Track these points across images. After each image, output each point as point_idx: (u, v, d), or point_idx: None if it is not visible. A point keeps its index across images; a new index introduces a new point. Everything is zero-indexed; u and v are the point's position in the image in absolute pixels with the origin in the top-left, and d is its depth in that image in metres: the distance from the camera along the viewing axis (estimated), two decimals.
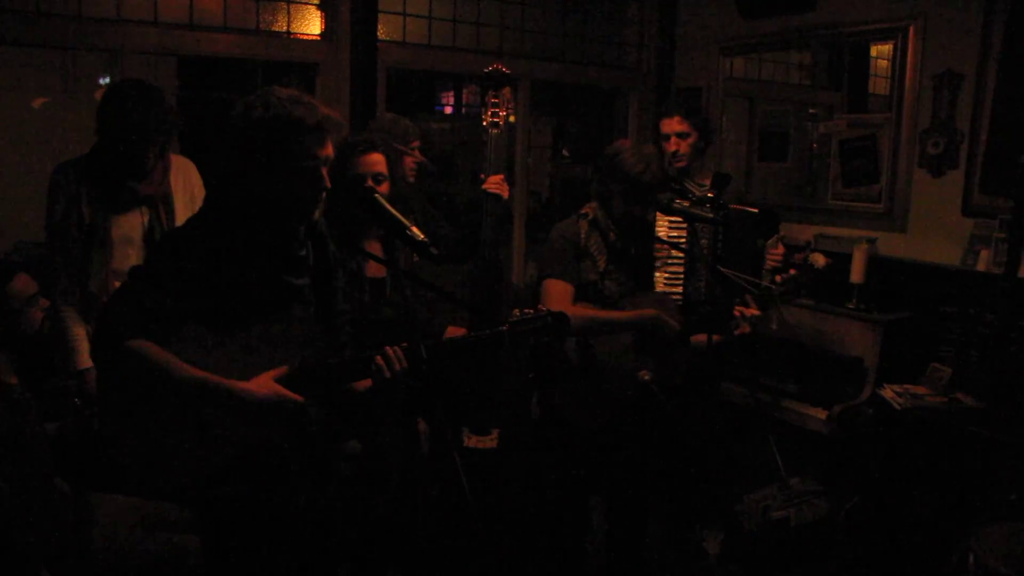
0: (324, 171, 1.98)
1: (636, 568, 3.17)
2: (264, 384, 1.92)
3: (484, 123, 3.31)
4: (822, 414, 3.62)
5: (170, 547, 2.55)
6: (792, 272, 3.06)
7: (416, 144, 3.28)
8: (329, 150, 1.99)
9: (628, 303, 2.90)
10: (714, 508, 3.66)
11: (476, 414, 3.40)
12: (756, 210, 3.54)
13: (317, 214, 2.03)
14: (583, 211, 2.94)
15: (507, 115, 3.32)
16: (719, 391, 3.71)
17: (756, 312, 2.92)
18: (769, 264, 3.33)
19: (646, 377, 2.81)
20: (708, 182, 3.49)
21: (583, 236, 2.89)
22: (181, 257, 1.89)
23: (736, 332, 2.92)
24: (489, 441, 3.37)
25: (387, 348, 2.04)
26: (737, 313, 2.90)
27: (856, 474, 3.56)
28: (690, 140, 3.46)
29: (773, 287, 3.00)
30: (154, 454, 1.92)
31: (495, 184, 3.25)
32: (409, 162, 3.26)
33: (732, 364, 3.83)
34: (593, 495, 3.32)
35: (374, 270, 2.65)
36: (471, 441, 3.37)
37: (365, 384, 2.11)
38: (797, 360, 3.84)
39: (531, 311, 2.20)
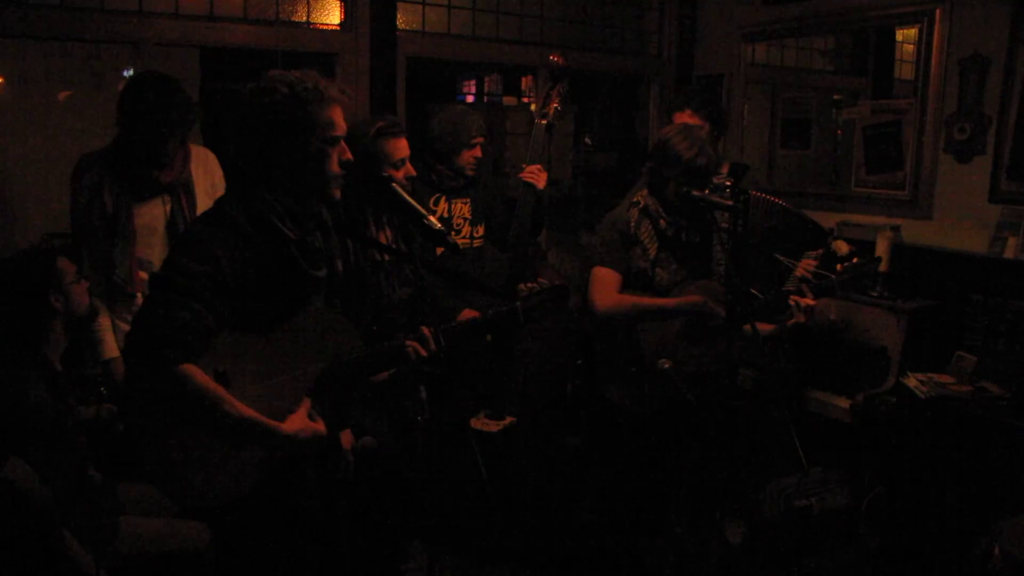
0: (344, 144, 2.01)
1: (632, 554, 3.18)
2: (304, 426, 1.96)
3: (535, 113, 3.40)
4: (845, 403, 3.59)
5: (186, 534, 2.58)
6: (855, 260, 2.99)
7: (478, 140, 3.31)
8: (344, 124, 2.01)
9: (678, 292, 2.89)
10: (736, 496, 3.64)
11: (497, 399, 3.43)
12: (825, 227, 3.53)
13: (337, 192, 2.04)
14: (635, 199, 2.95)
15: (559, 107, 3.40)
16: (738, 379, 3.69)
17: (812, 302, 2.87)
18: (799, 271, 3.28)
19: (666, 366, 2.80)
20: (725, 171, 3.47)
21: (633, 224, 2.90)
22: (208, 259, 1.87)
23: (790, 322, 2.88)
24: (495, 426, 3.40)
25: (423, 329, 2.07)
26: (792, 302, 2.87)
27: (879, 463, 3.53)
28: (702, 132, 3.45)
29: (833, 276, 2.95)
30: (179, 468, 1.91)
31: (531, 173, 3.35)
32: (468, 156, 3.29)
33: (754, 352, 3.81)
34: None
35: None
36: (478, 423, 3.41)
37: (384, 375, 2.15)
38: (821, 348, 3.81)
39: (535, 284, 2.23)
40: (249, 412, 1.87)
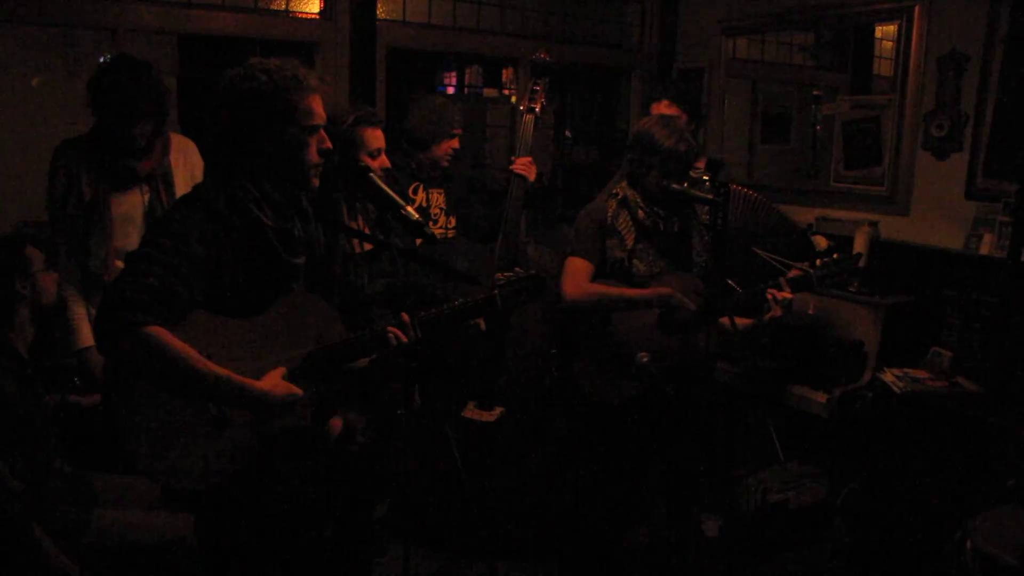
0: (323, 133, 2.01)
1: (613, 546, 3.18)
2: (277, 383, 1.92)
3: (521, 107, 3.49)
4: (822, 397, 3.61)
5: (166, 526, 2.56)
6: (835, 256, 3.00)
7: (457, 131, 3.33)
8: (324, 113, 2.01)
9: (656, 283, 2.89)
10: (713, 491, 3.66)
11: (485, 389, 3.44)
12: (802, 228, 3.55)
13: (316, 181, 2.03)
14: (614, 191, 2.95)
15: (546, 102, 3.43)
16: (715, 372, 3.70)
17: (789, 296, 2.88)
18: (792, 274, 3.29)
19: (644, 359, 2.80)
20: (702, 165, 3.49)
21: (610, 215, 2.90)
22: (180, 236, 1.86)
23: (767, 316, 2.89)
24: (488, 416, 3.41)
25: (403, 315, 2.06)
26: (769, 296, 2.87)
27: (855, 458, 3.56)
28: (680, 121, 3.46)
29: (812, 271, 2.96)
30: (168, 452, 1.89)
31: (523, 165, 3.42)
32: (445, 147, 3.29)
33: (731, 346, 3.83)
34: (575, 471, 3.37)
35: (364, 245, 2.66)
36: (471, 413, 3.41)
37: (365, 361, 2.13)
38: (798, 343, 3.83)
39: (511, 273, 2.24)
40: (221, 370, 1.84)
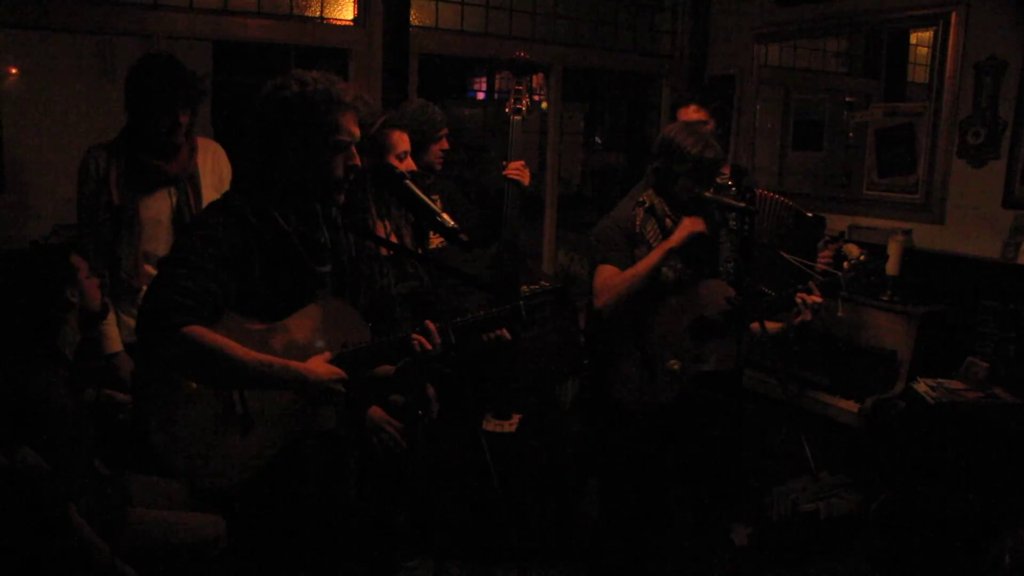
0: (354, 149, 2.00)
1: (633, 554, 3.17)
2: (322, 364, 1.95)
3: (507, 109, 3.37)
4: (854, 407, 3.57)
5: (199, 527, 2.59)
6: (863, 258, 2.99)
7: (444, 132, 3.28)
8: (357, 129, 2.01)
9: (684, 290, 2.89)
10: (743, 499, 3.63)
11: (499, 399, 3.44)
12: (811, 214, 3.51)
13: (341, 197, 2.04)
14: (640, 199, 2.94)
15: (538, 101, 3.37)
16: (744, 380, 3.68)
17: (819, 299, 2.87)
18: (820, 265, 3.27)
19: (676, 367, 2.80)
20: (727, 171, 3.47)
21: (638, 223, 2.89)
22: (212, 240, 1.89)
23: (796, 320, 2.87)
24: (508, 426, 3.40)
25: (427, 323, 2.07)
26: (799, 300, 2.86)
27: (887, 468, 3.52)
28: (707, 128, 3.44)
29: (840, 273, 2.94)
30: (196, 452, 1.92)
31: (515, 170, 3.32)
32: (436, 150, 3.27)
33: (763, 354, 3.80)
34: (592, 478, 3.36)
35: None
36: (490, 425, 3.41)
37: (388, 368, 2.15)
38: (829, 352, 3.79)
39: (537, 286, 2.23)
40: (265, 356, 1.88)
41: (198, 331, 1.80)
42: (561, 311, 2.23)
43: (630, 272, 2.82)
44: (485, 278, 3.19)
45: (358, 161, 2.02)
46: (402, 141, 2.58)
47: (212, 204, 2.05)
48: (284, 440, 1.99)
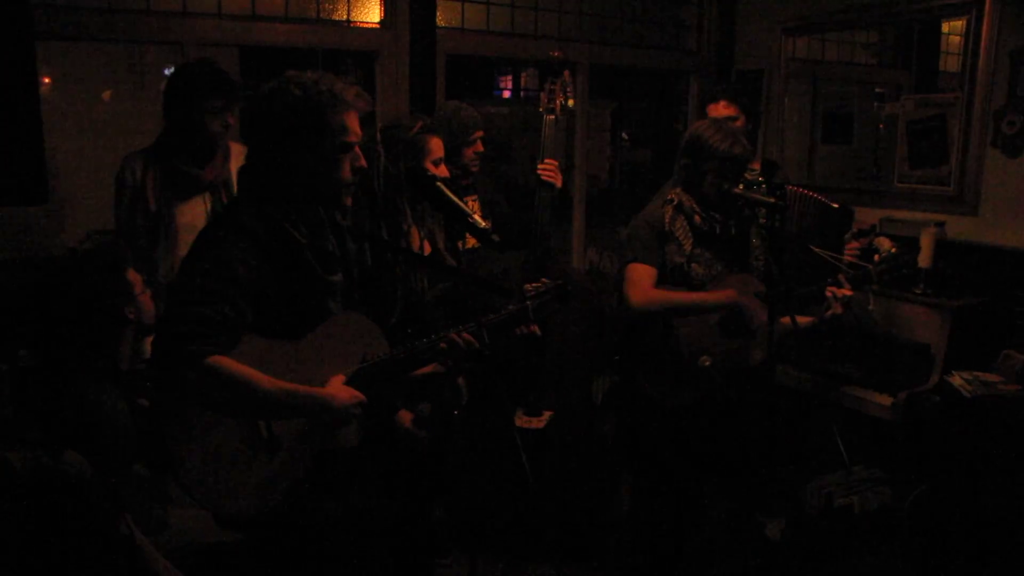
0: (358, 150, 1.97)
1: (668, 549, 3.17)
2: (340, 388, 1.94)
3: (540, 109, 3.38)
4: (887, 400, 3.54)
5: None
6: (893, 250, 2.98)
7: (479, 134, 3.30)
8: (359, 130, 1.98)
9: (714, 286, 2.89)
10: (776, 494, 3.63)
11: (530, 396, 3.45)
12: (836, 205, 3.49)
13: (348, 200, 2.02)
14: (668, 197, 2.95)
15: (565, 100, 3.36)
16: (776, 375, 3.67)
17: (850, 292, 2.86)
18: (848, 257, 3.26)
19: (707, 363, 2.80)
20: (757, 167, 3.45)
21: (667, 221, 2.91)
22: (224, 262, 1.86)
23: (828, 313, 2.87)
24: (538, 422, 3.42)
25: (453, 334, 2.07)
26: (829, 294, 2.85)
27: (922, 462, 3.48)
28: (738, 124, 3.43)
29: (871, 266, 2.93)
30: (217, 479, 1.90)
31: (548, 172, 3.32)
32: (470, 153, 3.29)
33: (796, 349, 3.79)
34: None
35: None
36: (521, 421, 3.43)
37: (425, 369, 2.16)
38: (862, 346, 3.77)
39: (539, 284, 2.26)
40: (286, 384, 1.86)
41: (222, 361, 1.78)
42: (564, 304, 2.26)
43: (674, 297, 2.86)
44: (510, 281, 3.21)
45: (364, 162, 1.99)
46: (438, 147, 2.61)
47: (219, 222, 2.00)
48: (310, 459, 1.98)
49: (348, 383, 1.97)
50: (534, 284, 2.28)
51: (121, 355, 2.52)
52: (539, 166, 3.36)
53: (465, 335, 2.08)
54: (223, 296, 1.81)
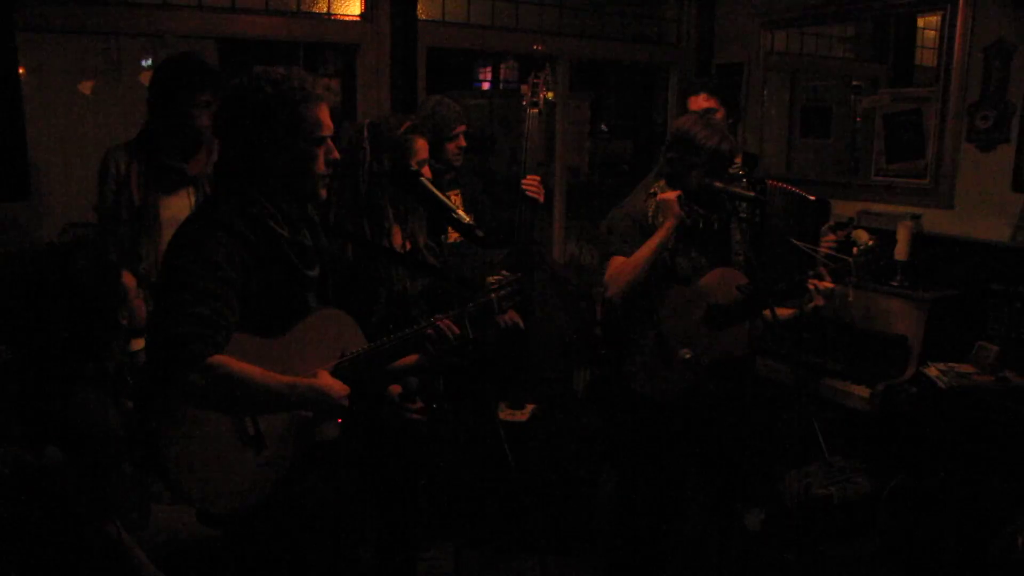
0: (331, 143, 1.98)
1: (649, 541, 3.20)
2: (330, 377, 1.98)
3: (523, 103, 3.42)
4: (865, 392, 3.59)
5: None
6: (870, 242, 3.01)
7: (461, 129, 3.30)
8: (331, 123, 1.98)
9: (699, 278, 2.91)
10: (755, 485, 3.66)
11: (513, 389, 3.47)
12: (813, 198, 3.52)
13: (324, 192, 2.02)
14: (651, 191, 2.95)
15: (547, 94, 3.38)
16: (756, 366, 3.71)
17: (831, 285, 2.89)
18: (823, 249, 3.29)
19: (687, 356, 2.82)
20: (739, 160, 3.47)
21: (651, 215, 2.90)
22: (210, 261, 1.85)
23: (810, 305, 2.90)
24: (521, 415, 3.44)
25: (439, 321, 2.11)
26: (811, 286, 2.88)
27: (899, 453, 3.54)
28: (718, 116, 3.45)
29: (850, 259, 2.96)
30: (205, 476, 1.89)
31: (532, 188, 3.37)
32: (452, 147, 3.29)
33: (775, 341, 3.82)
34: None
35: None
36: (504, 414, 3.44)
37: (407, 361, 2.20)
38: (840, 338, 3.81)
39: (500, 276, 2.29)
40: (285, 377, 1.90)
41: (222, 360, 1.79)
42: (523, 294, 2.30)
43: (634, 256, 2.83)
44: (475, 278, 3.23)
45: (336, 154, 2.00)
46: (423, 148, 2.61)
47: (199, 218, 1.98)
48: (294, 455, 1.99)
49: (332, 375, 2.00)
50: (495, 277, 2.32)
51: (111, 357, 2.50)
52: (523, 181, 3.39)
53: (447, 321, 2.13)
54: (216, 295, 1.81)
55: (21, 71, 4.16)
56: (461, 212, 2.13)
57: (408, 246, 2.62)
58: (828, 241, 3.52)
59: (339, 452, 2.18)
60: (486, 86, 7.42)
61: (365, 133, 2.43)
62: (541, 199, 3.40)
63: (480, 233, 2.10)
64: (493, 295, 2.27)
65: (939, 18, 3.94)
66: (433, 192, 2.17)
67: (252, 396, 1.84)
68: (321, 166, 1.96)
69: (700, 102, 3.53)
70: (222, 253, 1.85)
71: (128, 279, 2.51)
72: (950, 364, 3.44)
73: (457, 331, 2.14)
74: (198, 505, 1.93)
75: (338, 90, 2.11)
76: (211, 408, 1.85)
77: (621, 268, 2.85)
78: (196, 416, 1.86)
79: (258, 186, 1.94)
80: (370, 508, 2.72)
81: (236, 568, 2.17)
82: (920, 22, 4.30)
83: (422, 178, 2.20)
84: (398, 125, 2.49)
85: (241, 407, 1.88)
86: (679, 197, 2.80)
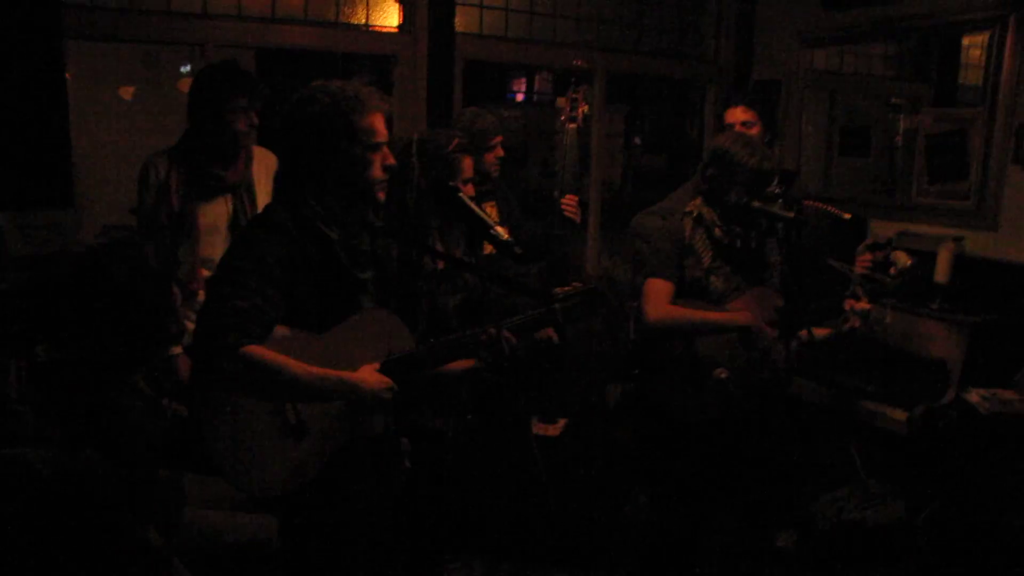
0: (387, 150, 2.07)
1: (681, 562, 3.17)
2: (372, 373, 2.03)
3: (562, 118, 3.43)
4: (902, 415, 3.53)
5: (252, 527, 2.62)
6: (909, 263, 2.97)
7: (498, 140, 3.31)
8: (386, 131, 2.08)
9: (734, 298, 2.88)
10: (788, 507, 3.61)
11: (546, 403, 3.45)
12: (848, 215, 3.48)
13: (382, 195, 2.11)
14: (687, 209, 2.93)
15: (585, 112, 3.39)
16: (792, 388, 3.66)
17: (867, 306, 2.85)
18: (859, 269, 3.25)
19: (723, 376, 2.79)
20: (776, 178, 3.44)
21: (688, 233, 2.88)
22: (259, 259, 1.96)
23: (846, 327, 2.86)
24: (553, 430, 3.42)
25: (492, 328, 2.15)
26: (847, 307, 2.85)
27: (937, 478, 3.47)
28: (755, 130, 3.42)
29: (887, 279, 2.92)
30: (251, 461, 1.98)
31: (570, 209, 3.39)
32: (490, 158, 3.29)
33: (811, 362, 3.77)
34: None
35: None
36: (536, 429, 3.42)
37: (451, 368, 2.24)
38: (878, 360, 3.75)
39: (569, 287, 2.27)
40: (319, 369, 1.96)
41: (256, 351, 1.88)
42: (594, 310, 2.27)
43: (690, 317, 2.84)
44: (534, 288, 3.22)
45: (392, 160, 2.09)
46: (469, 167, 2.63)
47: (256, 219, 2.15)
48: (336, 446, 2.05)
49: (380, 371, 2.06)
50: (564, 288, 2.29)
51: (154, 363, 2.53)
52: (562, 201, 3.39)
53: (505, 332, 2.16)
54: (256, 290, 1.92)
55: (68, 75, 4.25)
56: (499, 229, 2.12)
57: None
58: (864, 261, 3.48)
59: (384, 448, 2.22)
60: (520, 97, 7.43)
61: (414, 149, 2.44)
62: (578, 220, 3.42)
63: (519, 251, 2.10)
64: (558, 306, 2.26)
65: (985, 37, 3.88)
66: (472, 208, 2.17)
67: (282, 385, 1.93)
68: (378, 171, 2.06)
69: (738, 115, 3.50)
70: (268, 250, 1.96)
71: (175, 290, 2.54)
72: (992, 390, 3.37)
73: (515, 342, 2.16)
74: (238, 489, 2.02)
75: (389, 100, 2.18)
76: (245, 394, 1.95)
77: (664, 300, 2.83)
78: (239, 405, 1.96)
79: (314, 192, 2.04)
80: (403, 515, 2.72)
81: (285, 551, 2.25)
82: (965, 40, 4.23)
83: (461, 194, 2.20)
84: (447, 142, 2.50)
85: (272, 395, 1.97)
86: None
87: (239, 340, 1.86)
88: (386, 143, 2.07)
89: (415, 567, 2.85)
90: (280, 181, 2.16)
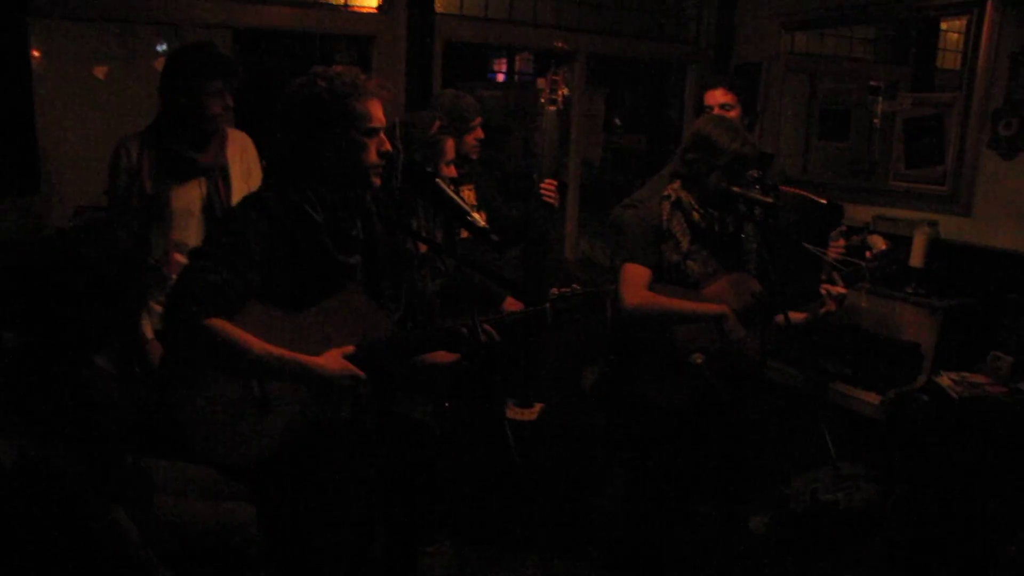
0: (383, 136, 2.09)
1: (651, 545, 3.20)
2: (335, 359, 2.03)
3: (542, 99, 3.40)
4: (875, 399, 3.57)
5: (227, 515, 2.61)
6: (884, 247, 2.98)
7: (478, 121, 3.28)
8: (383, 117, 2.10)
9: (711, 283, 2.89)
10: (762, 489, 3.65)
11: (522, 388, 3.45)
12: (824, 201, 3.49)
13: (377, 180, 2.12)
14: (666, 193, 2.92)
15: (564, 94, 3.37)
16: (766, 371, 3.69)
17: (843, 290, 2.87)
18: (831, 255, 3.27)
19: (699, 361, 2.80)
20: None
21: (665, 218, 2.88)
22: (239, 235, 1.98)
23: (822, 311, 2.88)
24: (529, 414, 3.43)
25: (483, 323, 2.14)
26: (823, 291, 2.86)
27: (908, 461, 3.51)
28: (734, 113, 3.42)
29: (863, 263, 2.94)
30: (216, 429, 2.01)
31: (549, 194, 3.36)
32: (470, 140, 3.27)
33: (786, 345, 3.80)
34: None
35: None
36: (512, 413, 3.43)
37: (432, 357, 2.24)
38: (852, 344, 3.78)
39: (568, 289, 2.26)
40: (276, 349, 1.97)
41: (217, 323, 1.92)
42: (589, 313, 2.25)
43: (667, 305, 2.83)
44: (512, 277, 3.21)
45: (388, 146, 2.10)
46: (451, 149, 2.62)
47: (245, 199, 2.14)
48: (302, 426, 2.07)
49: (349, 357, 2.06)
50: (562, 288, 2.27)
51: (130, 349, 2.51)
52: (541, 186, 3.38)
53: (488, 327, 2.15)
54: (233, 267, 1.95)
55: (35, 54, 4.17)
56: (476, 215, 2.11)
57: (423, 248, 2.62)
58: (837, 246, 3.49)
59: (352, 433, 2.21)
60: (501, 78, 7.38)
61: (397, 132, 2.43)
62: (556, 204, 3.40)
63: (495, 238, 2.09)
64: (551, 307, 2.24)
65: (964, 22, 3.89)
66: (448, 194, 2.16)
67: (240, 360, 1.95)
68: (372, 156, 2.08)
69: (717, 96, 3.50)
70: (248, 228, 1.99)
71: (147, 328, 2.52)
72: (963, 373, 3.41)
73: (499, 338, 2.15)
74: (203, 459, 2.07)
75: (392, 88, 2.15)
76: (208, 365, 1.99)
77: (649, 297, 2.83)
78: (205, 378, 2.00)
79: (306, 175, 2.06)
80: (379, 499, 2.72)
81: (239, 559, 2.31)
82: (943, 25, 4.24)
83: (438, 179, 2.19)
84: (429, 125, 2.48)
85: (232, 369, 2.00)
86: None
87: (201, 311, 1.90)
88: (382, 129, 2.08)
89: (390, 551, 2.86)
90: (273, 163, 2.18)
